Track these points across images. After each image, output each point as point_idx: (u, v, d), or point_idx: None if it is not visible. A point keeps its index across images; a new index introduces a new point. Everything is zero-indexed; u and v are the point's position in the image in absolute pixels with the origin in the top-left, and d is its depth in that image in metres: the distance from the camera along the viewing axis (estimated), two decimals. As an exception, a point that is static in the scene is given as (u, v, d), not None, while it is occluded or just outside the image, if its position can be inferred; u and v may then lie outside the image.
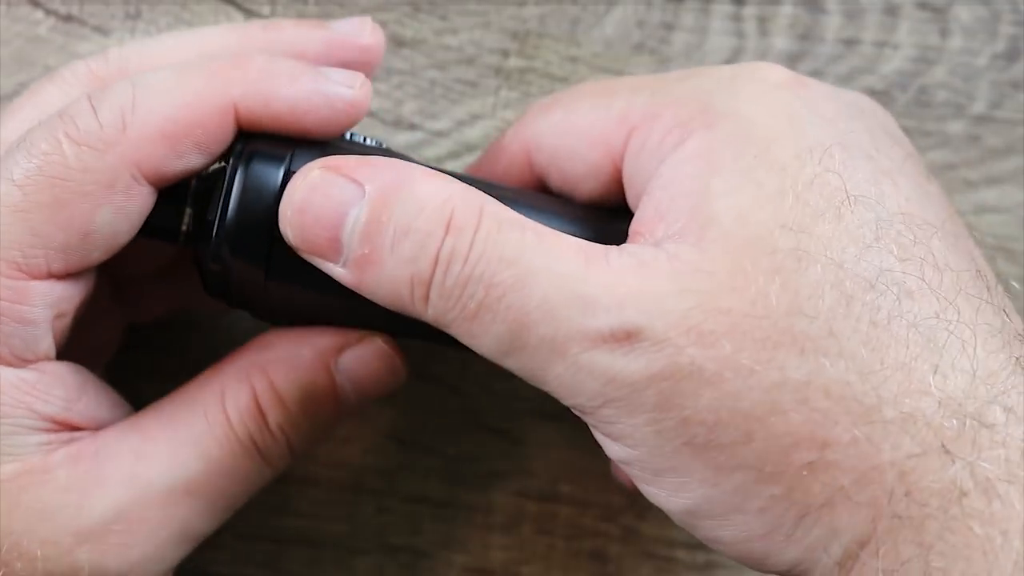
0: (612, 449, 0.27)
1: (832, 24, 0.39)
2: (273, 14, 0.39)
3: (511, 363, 0.27)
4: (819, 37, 0.39)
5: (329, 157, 0.28)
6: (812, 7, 0.39)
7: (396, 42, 0.39)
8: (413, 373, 0.39)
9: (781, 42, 0.39)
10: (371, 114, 0.39)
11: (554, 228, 0.27)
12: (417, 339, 0.31)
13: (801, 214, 0.26)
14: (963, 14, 0.39)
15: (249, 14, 0.39)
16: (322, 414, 0.30)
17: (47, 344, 0.29)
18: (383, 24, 0.39)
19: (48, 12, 0.38)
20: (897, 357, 0.25)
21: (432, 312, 0.27)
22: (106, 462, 0.28)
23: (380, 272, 0.27)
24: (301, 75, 0.29)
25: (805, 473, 0.25)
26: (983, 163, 0.39)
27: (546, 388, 0.27)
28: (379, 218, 0.26)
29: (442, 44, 0.39)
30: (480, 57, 0.39)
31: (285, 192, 0.27)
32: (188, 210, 0.30)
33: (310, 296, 0.29)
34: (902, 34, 0.39)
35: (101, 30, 0.38)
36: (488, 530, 0.39)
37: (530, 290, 0.26)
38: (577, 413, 0.27)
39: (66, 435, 0.29)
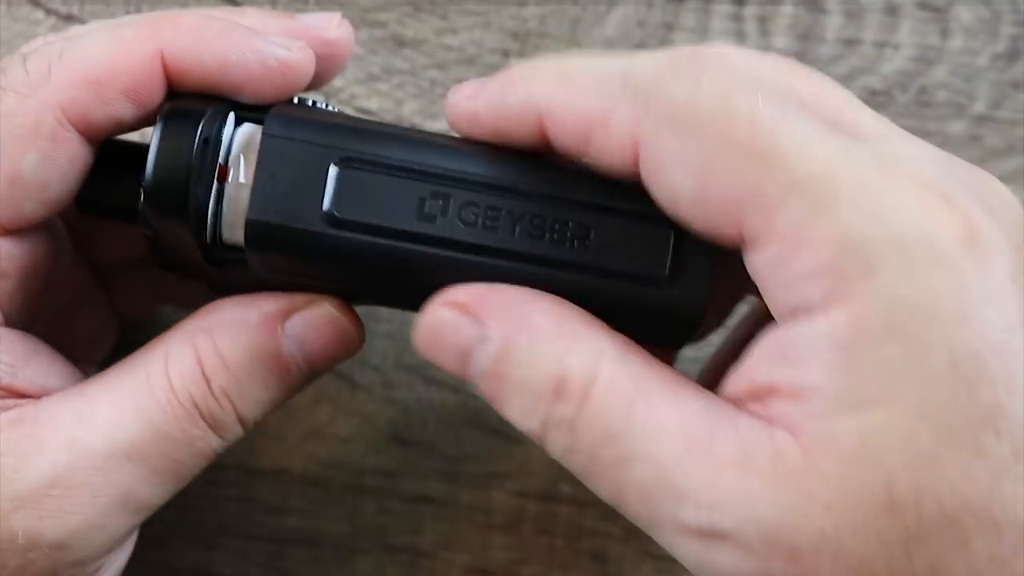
0: None
1: (832, 24, 0.39)
2: (273, 14, 0.39)
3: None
4: (819, 37, 0.39)
5: (454, 290, 0.27)
6: (812, 7, 0.39)
7: (396, 42, 0.39)
8: (414, 373, 0.39)
9: (781, 42, 0.39)
10: (371, 114, 0.39)
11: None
12: (376, 303, 0.31)
13: (934, 448, 0.23)
14: (963, 14, 0.39)
15: (249, 14, 0.39)
16: (270, 380, 0.30)
17: None
18: (383, 24, 0.39)
19: (48, 12, 0.38)
20: None
21: (550, 453, 0.27)
22: (45, 426, 0.28)
23: (502, 408, 0.27)
24: (234, 31, 0.29)
25: None
26: (983, 163, 0.39)
27: None
28: (499, 368, 0.26)
29: (442, 44, 0.39)
30: (480, 57, 0.39)
31: (419, 320, 0.27)
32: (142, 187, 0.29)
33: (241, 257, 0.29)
34: (902, 34, 0.39)
35: (101, 30, 0.38)
36: (488, 530, 0.39)
37: (628, 472, 0.25)
38: None
39: (11, 402, 0.28)
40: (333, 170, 0.27)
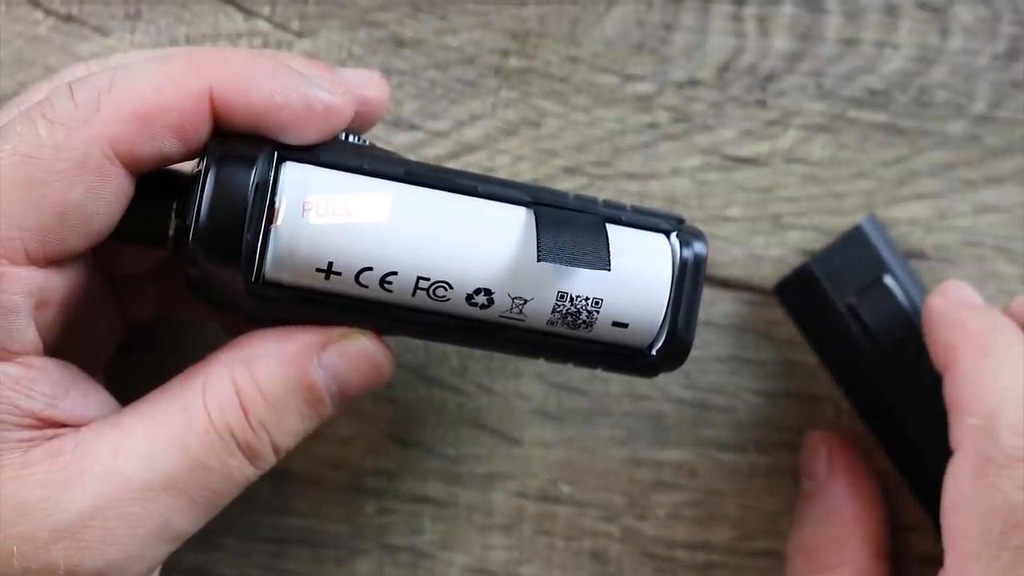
0: None
1: (832, 24, 0.39)
2: (273, 14, 0.39)
3: None
4: (819, 37, 0.39)
5: None
6: (812, 7, 0.39)
7: (396, 42, 0.39)
8: (414, 373, 0.39)
9: (781, 42, 0.39)
10: (371, 114, 0.39)
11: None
12: (409, 336, 0.31)
13: None
14: (963, 14, 0.39)
15: (249, 14, 0.39)
16: (305, 411, 0.30)
17: (31, 336, 0.28)
18: (383, 24, 0.39)
19: (48, 12, 0.38)
20: None
21: None
22: (84, 458, 0.28)
23: None
24: (281, 71, 0.29)
25: None
26: (983, 163, 0.39)
27: None
28: None
29: (442, 44, 0.39)
30: (480, 57, 0.39)
31: None
32: (173, 215, 0.30)
33: (290, 294, 0.29)
34: (902, 34, 0.39)
35: (101, 30, 0.38)
36: (488, 530, 0.39)
37: None
38: None
39: (50, 432, 0.28)
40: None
